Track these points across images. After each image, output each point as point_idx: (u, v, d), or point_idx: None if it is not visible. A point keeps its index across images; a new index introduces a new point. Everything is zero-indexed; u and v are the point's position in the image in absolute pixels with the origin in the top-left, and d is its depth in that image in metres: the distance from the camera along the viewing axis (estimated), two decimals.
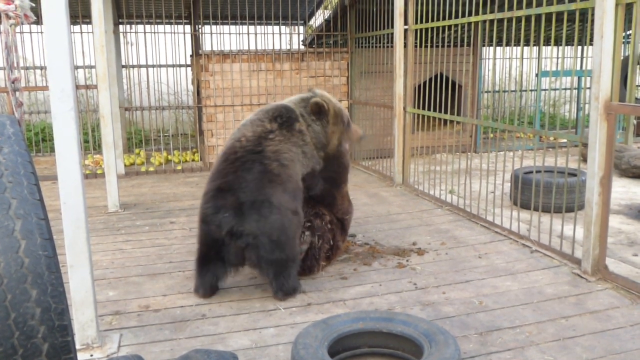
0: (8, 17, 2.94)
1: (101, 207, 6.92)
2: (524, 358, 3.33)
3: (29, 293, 1.71)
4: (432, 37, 7.50)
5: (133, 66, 10.38)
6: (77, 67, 10.10)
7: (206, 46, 9.72)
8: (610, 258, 4.78)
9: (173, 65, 11.01)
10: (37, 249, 1.75)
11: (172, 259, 5.12)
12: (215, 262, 4.24)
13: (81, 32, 10.29)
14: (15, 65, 3.01)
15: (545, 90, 13.34)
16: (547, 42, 12.02)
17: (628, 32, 10.12)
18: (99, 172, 8.79)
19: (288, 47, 9.82)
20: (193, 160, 10.16)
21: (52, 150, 10.10)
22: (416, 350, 3.12)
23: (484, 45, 10.50)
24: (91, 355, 3.39)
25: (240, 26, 10.11)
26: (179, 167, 9.37)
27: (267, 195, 4.08)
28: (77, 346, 3.41)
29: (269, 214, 4.05)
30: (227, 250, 4.14)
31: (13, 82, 3.01)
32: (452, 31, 8.88)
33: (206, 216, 4.17)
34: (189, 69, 11.28)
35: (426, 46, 7.79)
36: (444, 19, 6.87)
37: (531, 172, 6.60)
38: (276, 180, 4.18)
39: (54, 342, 1.77)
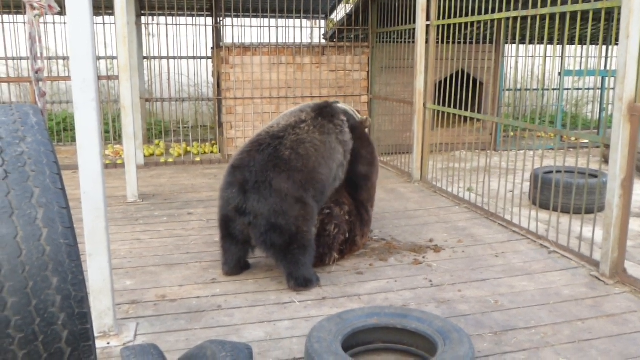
0: (32, 7, 2.98)
1: (120, 197, 6.99)
2: (539, 359, 3.32)
3: (49, 280, 1.75)
4: (454, 34, 7.45)
5: (154, 57, 10.44)
6: (99, 58, 10.20)
7: (227, 39, 9.76)
8: (629, 261, 4.73)
9: (194, 57, 11.07)
10: (58, 237, 1.78)
11: (189, 250, 5.16)
12: (232, 240, 4.45)
13: (104, 23, 10.36)
14: (38, 55, 3.06)
15: (568, 89, 13.20)
16: (571, 41, 11.88)
17: None
18: (118, 162, 8.88)
19: (309, 40, 9.82)
20: (212, 152, 10.21)
21: (74, 139, 10.21)
22: (430, 348, 3.12)
23: (506, 43, 10.40)
24: (108, 343, 3.44)
25: (262, 19, 10.15)
26: (198, 159, 9.43)
27: (268, 178, 4.22)
28: (95, 334, 3.46)
29: (268, 196, 4.18)
30: (235, 227, 4.34)
31: (37, 72, 3.06)
32: (475, 28, 8.82)
33: (220, 191, 4.46)
34: (210, 61, 11.33)
35: (448, 42, 7.75)
36: (466, 15, 6.82)
37: (551, 172, 6.55)
38: (282, 166, 4.30)
39: (74, 329, 1.80)
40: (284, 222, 4.20)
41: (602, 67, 11.52)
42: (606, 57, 11.57)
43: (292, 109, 4.94)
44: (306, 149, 4.45)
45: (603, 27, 4.46)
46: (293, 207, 4.24)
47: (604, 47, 11.74)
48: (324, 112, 4.81)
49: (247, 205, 4.20)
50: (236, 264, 4.56)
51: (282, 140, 4.43)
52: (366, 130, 5.39)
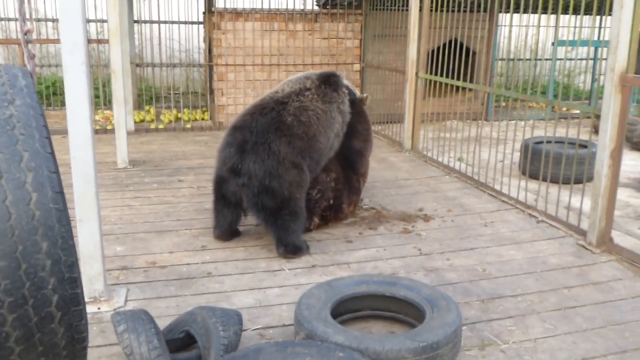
0: None
1: (110, 163, 6.96)
2: (525, 326, 3.37)
3: (39, 245, 1.74)
4: (448, 1, 7.38)
5: (145, 22, 10.29)
6: (89, 21, 10.04)
7: (219, 3, 9.61)
8: (616, 231, 4.78)
9: (185, 22, 10.92)
10: (48, 202, 1.77)
11: (179, 217, 5.17)
12: (225, 203, 4.46)
13: None
14: (27, 16, 3.00)
15: (560, 59, 13.16)
16: (565, 11, 11.82)
17: None
18: (108, 127, 8.82)
19: (302, 7, 9.69)
20: (203, 119, 10.15)
21: (63, 104, 10.10)
22: (418, 315, 3.16)
23: (500, 12, 10.32)
24: (98, 309, 3.46)
25: None
26: (189, 126, 9.37)
27: (268, 140, 4.24)
28: (85, 299, 3.47)
29: (265, 158, 4.20)
30: (227, 188, 4.35)
31: (25, 34, 3.00)
32: None
33: (218, 152, 4.47)
34: (201, 26, 11.18)
35: (442, 10, 7.68)
36: None
37: (542, 142, 6.57)
38: (284, 130, 4.32)
39: (64, 293, 1.81)
40: (277, 185, 4.22)
41: (596, 37, 11.48)
42: (600, 27, 11.52)
43: (297, 75, 4.95)
44: (308, 117, 4.48)
45: None
46: (289, 171, 4.26)
47: (598, 17, 11.67)
48: (329, 81, 4.83)
49: (243, 166, 4.21)
50: (227, 227, 4.57)
51: (286, 106, 4.46)
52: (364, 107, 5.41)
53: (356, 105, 5.16)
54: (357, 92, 5.37)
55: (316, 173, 4.69)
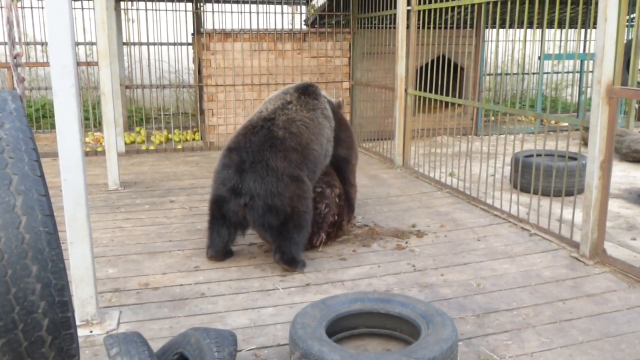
0: None
1: (101, 184, 6.92)
2: (521, 340, 3.35)
3: (29, 269, 1.72)
4: (434, 19, 7.44)
5: (134, 43, 10.32)
6: (77, 44, 10.05)
7: (208, 24, 9.65)
8: (608, 242, 4.79)
9: (174, 44, 10.94)
10: (37, 225, 1.75)
11: (171, 238, 5.13)
12: (223, 222, 4.44)
13: (82, 8, 10.22)
14: (17, 40, 3.00)
15: (547, 73, 13.27)
16: (550, 25, 11.95)
17: (632, 16, 10.05)
18: (99, 149, 8.79)
19: (290, 26, 9.75)
20: (193, 139, 10.14)
21: (53, 127, 10.08)
22: (414, 331, 3.14)
23: (487, 27, 10.42)
24: (91, 332, 3.41)
25: (242, 5, 10.04)
26: (179, 146, 9.35)
27: (265, 157, 4.26)
28: (77, 322, 3.43)
29: (265, 175, 4.21)
30: (228, 208, 4.34)
31: (15, 58, 3.00)
32: (455, 12, 8.78)
33: (215, 173, 4.46)
34: (190, 47, 11.21)
35: (429, 27, 7.74)
36: (447, 0, 6.81)
37: (532, 155, 6.60)
38: (278, 145, 4.34)
39: (54, 317, 1.78)
40: (279, 202, 4.23)
41: (581, 50, 11.61)
42: (585, 41, 11.64)
43: (275, 93, 5.00)
44: (298, 127, 4.52)
45: (582, 10, 4.47)
46: (289, 186, 4.27)
47: (583, 31, 11.80)
48: (308, 91, 4.90)
49: (244, 186, 4.22)
50: (222, 247, 4.55)
51: (274, 121, 4.50)
52: (342, 113, 5.51)
53: (336, 113, 5.25)
54: (333, 100, 5.45)
55: (314, 181, 4.72)
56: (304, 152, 4.48)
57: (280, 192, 4.23)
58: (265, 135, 4.37)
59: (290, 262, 4.32)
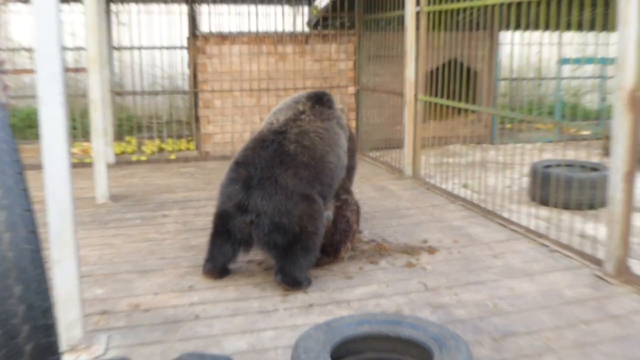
0: None
1: (89, 198, 6.92)
2: None
3: (12, 289, 1.71)
4: (446, 20, 7.46)
5: (125, 48, 10.36)
6: (65, 49, 10.09)
7: (203, 27, 9.69)
8: (633, 259, 4.76)
9: (168, 48, 11.00)
10: (21, 242, 1.74)
11: (164, 255, 5.13)
12: (227, 238, 4.45)
13: (70, 12, 10.27)
14: (1, 46, 3.01)
15: (566, 78, 13.28)
16: (568, 28, 11.96)
17: None
18: (87, 161, 8.79)
19: (291, 28, 9.78)
20: (188, 149, 10.15)
21: (38, 137, 10.10)
22: (425, 356, 3.11)
23: (501, 30, 10.43)
24: (77, 358, 3.40)
25: (240, 6, 10.09)
26: (173, 157, 9.37)
27: (274, 174, 4.27)
28: (62, 347, 3.41)
29: (273, 193, 4.22)
30: (234, 224, 4.35)
31: None
32: (468, 14, 8.80)
33: (221, 187, 4.48)
34: (185, 51, 11.25)
35: (440, 30, 7.75)
36: (458, 0, 6.83)
37: (551, 166, 6.58)
38: (289, 162, 4.36)
39: (38, 342, 1.77)
40: (287, 221, 4.23)
41: (602, 54, 11.61)
42: (606, 44, 11.65)
43: (286, 102, 5.01)
44: (311, 140, 4.54)
45: (602, 12, 4.48)
46: (298, 205, 4.27)
47: (604, 33, 11.81)
48: (322, 100, 4.93)
49: (250, 203, 4.22)
50: (221, 264, 4.54)
51: (286, 134, 4.51)
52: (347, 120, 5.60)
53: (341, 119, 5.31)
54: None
55: (331, 196, 4.73)
56: (318, 166, 4.48)
57: (288, 210, 4.23)
58: (275, 150, 4.39)
59: (293, 284, 4.33)
